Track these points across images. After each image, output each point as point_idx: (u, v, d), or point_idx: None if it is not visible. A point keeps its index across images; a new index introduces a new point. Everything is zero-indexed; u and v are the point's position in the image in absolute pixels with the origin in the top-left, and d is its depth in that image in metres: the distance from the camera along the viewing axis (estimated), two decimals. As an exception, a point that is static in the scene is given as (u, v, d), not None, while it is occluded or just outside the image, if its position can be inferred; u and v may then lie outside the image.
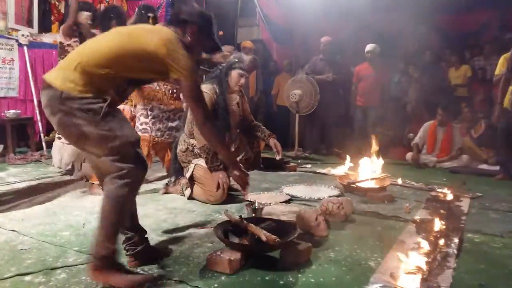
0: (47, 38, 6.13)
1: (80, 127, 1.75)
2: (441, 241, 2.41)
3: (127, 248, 2.03)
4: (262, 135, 3.73)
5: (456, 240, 2.46)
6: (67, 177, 4.11)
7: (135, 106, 3.61)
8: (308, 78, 6.13)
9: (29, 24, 6.08)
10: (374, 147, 3.94)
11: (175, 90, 3.53)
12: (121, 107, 3.60)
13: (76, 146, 1.95)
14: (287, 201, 3.38)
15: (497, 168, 4.87)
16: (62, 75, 1.80)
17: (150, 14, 3.59)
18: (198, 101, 1.99)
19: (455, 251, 2.28)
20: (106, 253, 1.74)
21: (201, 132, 2.18)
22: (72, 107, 1.74)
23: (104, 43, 1.89)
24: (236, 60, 3.46)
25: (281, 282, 1.91)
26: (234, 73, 3.46)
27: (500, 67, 4.63)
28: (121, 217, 1.81)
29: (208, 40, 2.15)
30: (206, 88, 3.32)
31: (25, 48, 5.54)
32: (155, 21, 3.58)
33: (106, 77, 1.82)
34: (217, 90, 3.38)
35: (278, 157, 3.75)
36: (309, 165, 5.31)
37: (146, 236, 2.11)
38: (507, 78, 4.45)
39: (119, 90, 1.90)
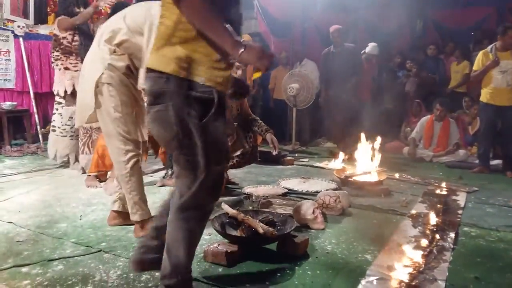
0: (43, 30, 6.07)
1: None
2: (437, 235, 2.43)
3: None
4: (259, 130, 3.72)
5: (452, 234, 2.48)
6: (64, 169, 4.10)
7: None
8: (303, 72, 6.12)
9: (25, 15, 6.02)
10: (371, 144, 3.94)
11: None
12: None
13: None
14: (284, 195, 3.39)
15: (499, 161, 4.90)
16: None
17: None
18: None
19: (451, 245, 2.30)
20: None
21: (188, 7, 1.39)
22: None
23: None
24: None
25: (278, 274, 1.92)
26: None
27: (478, 63, 4.64)
28: (190, 246, 1.54)
29: None
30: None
31: (21, 39, 5.49)
32: None
33: None
34: None
35: (274, 153, 3.75)
36: (306, 159, 5.32)
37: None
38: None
39: None
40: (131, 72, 2.28)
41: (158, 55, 1.45)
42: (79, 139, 3.89)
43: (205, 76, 1.40)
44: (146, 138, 2.47)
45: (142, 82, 2.19)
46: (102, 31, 2.30)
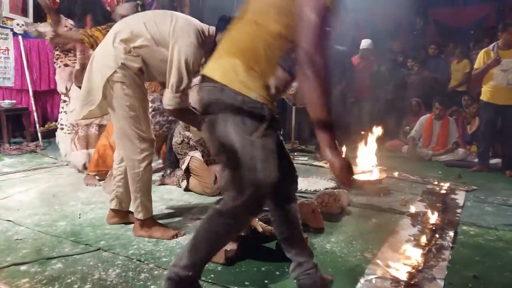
0: (42, 28, 6.05)
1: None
2: (436, 234, 2.43)
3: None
4: None
5: (451, 232, 2.48)
6: (63, 168, 4.10)
7: None
8: None
9: (24, 13, 6.00)
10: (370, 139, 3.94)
11: None
12: None
13: None
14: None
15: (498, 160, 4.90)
16: None
17: (139, 2, 3.54)
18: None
19: (450, 244, 2.30)
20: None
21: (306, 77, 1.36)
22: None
23: None
24: None
25: (277, 272, 1.92)
26: None
27: (479, 61, 4.64)
28: (213, 249, 1.59)
29: None
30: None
31: (20, 37, 5.48)
32: (142, 8, 3.53)
33: None
34: None
35: None
36: (306, 158, 5.32)
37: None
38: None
39: None
40: (142, 73, 2.27)
41: (217, 64, 1.47)
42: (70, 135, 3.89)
43: (258, 93, 1.40)
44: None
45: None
46: (119, 29, 2.27)
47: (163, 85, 2.32)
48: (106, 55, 2.23)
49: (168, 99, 2.22)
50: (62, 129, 4.16)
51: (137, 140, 2.25)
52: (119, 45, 2.21)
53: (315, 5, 1.34)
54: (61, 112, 4.16)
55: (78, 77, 3.80)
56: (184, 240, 2.27)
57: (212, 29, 2.35)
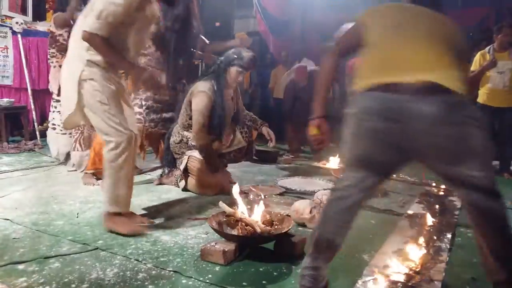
0: (41, 26, 6.05)
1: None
2: (434, 235, 2.43)
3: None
4: (254, 124, 3.72)
5: (449, 234, 2.48)
6: (61, 167, 4.09)
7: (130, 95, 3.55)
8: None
9: (23, 11, 6.00)
10: None
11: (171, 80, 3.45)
12: None
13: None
14: (282, 194, 3.39)
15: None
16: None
17: None
18: None
19: (448, 245, 2.30)
20: None
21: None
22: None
23: None
24: (236, 56, 3.38)
25: (275, 273, 1.92)
26: (233, 70, 3.37)
27: (476, 64, 4.65)
28: None
29: None
30: (205, 87, 3.25)
31: (19, 36, 5.47)
32: None
33: None
34: (215, 87, 3.32)
35: (271, 145, 3.75)
36: (305, 158, 5.33)
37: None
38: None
39: None
40: (110, 64, 2.31)
41: (448, 74, 1.49)
42: (71, 136, 3.88)
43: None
44: (137, 132, 2.47)
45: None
46: (74, 31, 2.33)
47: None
48: (72, 57, 2.30)
49: (88, 25, 2.19)
50: (54, 128, 4.13)
51: (114, 134, 2.27)
52: (80, 43, 2.24)
53: None
54: (53, 111, 4.12)
55: (59, 23, 3.85)
56: (182, 240, 2.27)
57: None
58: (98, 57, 2.25)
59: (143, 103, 3.42)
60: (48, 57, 4.07)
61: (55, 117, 4.10)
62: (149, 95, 3.42)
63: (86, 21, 2.21)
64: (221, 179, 3.34)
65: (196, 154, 3.33)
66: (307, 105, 5.16)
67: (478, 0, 6.69)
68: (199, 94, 3.25)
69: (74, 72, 2.25)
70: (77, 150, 3.79)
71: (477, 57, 4.67)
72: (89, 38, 2.19)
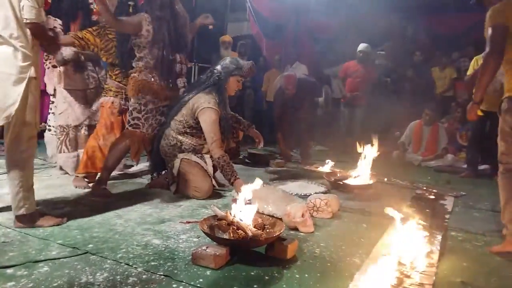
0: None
1: None
2: (425, 239, 2.44)
3: None
4: (242, 126, 3.72)
5: (439, 237, 2.50)
6: (51, 169, 4.06)
7: (128, 99, 3.50)
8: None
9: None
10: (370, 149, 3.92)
11: (170, 80, 3.41)
12: (110, 100, 3.55)
13: None
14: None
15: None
16: None
17: (131, 3, 3.51)
18: None
19: (439, 249, 2.31)
20: None
21: None
22: None
23: None
24: (235, 66, 3.40)
25: (266, 277, 1.92)
26: (233, 80, 3.41)
27: (471, 68, 4.71)
28: None
29: None
30: (210, 103, 3.27)
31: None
32: (134, 9, 3.50)
33: None
34: (218, 100, 3.34)
35: (260, 146, 3.75)
36: (296, 162, 5.33)
37: None
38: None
39: None
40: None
41: None
42: (57, 137, 3.84)
43: None
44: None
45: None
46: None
47: None
48: (11, 59, 2.25)
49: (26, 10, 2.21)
50: (49, 130, 4.13)
51: (32, 128, 2.36)
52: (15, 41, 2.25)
53: None
54: (50, 113, 4.13)
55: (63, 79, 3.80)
56: (173, 243, 2.26)
57: None
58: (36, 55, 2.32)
59: (142, 107, 3.32)
60: (43, 60, 4.03)
61: (50, 119, 4.10)
62: (149, 99, 3.32)
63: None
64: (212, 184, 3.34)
65: (188, 156, 3.32)
66: (295, 112, 5.18)
67: (469, 7, 6.76)
68: (206, 110, 3.26)
69: (15, 73, 2.25)
70: (63, 152, 3.76)
71: (473, 61, 4.73)
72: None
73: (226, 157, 3.22)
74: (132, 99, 3.33)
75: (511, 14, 2.42)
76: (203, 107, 3.26)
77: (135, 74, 3.27)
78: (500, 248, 2.38)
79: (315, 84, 5.47)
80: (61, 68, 3.68)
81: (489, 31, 2.55)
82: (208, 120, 3.26)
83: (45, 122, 4.33)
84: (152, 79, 3.28)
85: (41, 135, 5.10)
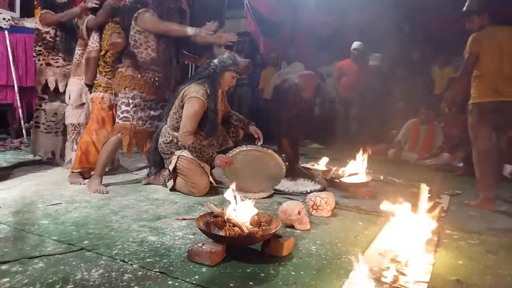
0: (29, 23, 5.97)
1: None
2: (421, 237, 2.45)
3: None
4: (241, 124, 3.71)
5: (435, 236, 2.50)
6: (47, 166, 4.04)
7: (116, 94, 3.52)
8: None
9: (11, 7, 5.92)
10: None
11: (157, 79, 3.43)
12: (100, 95, 3.54)
13: None
14: (270, 195, 3.39)
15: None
16: None
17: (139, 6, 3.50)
18: None
19: (434, 247, 2.32)
20: None
21: None
22: None
23: None
24: (231, 62, 3.40)
25: (262, 274, 1.92)
26: (228, 75, 3.41)
27: None
28: None
29: None
30: (198, 92, 3.26)
31: (6, 32, 5.38)
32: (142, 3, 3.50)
33: None
34: (209, 92, 3.33)
35: (259, 143, 3.75)
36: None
37: None
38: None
39: None
40: None
41: None
42: (68, 136, 3.83)
43: None
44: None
45: None
46: None
47: None
48: None
49: None
50: (38, 127, 4.03)
51: None
52: None
53: None
54: (38, 109, 4.03)
55: (48, 21, 3.82)
56: (169, 240, 2.26)
57: None
58: None
59: (130, 101, 3.35)
60: (34, 54, 3.98)
61: (39, 115, 4.02)
62: (136, 93, 3.35)
63: None
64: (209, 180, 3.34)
65: (185, 153, 3.31)
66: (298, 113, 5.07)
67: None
68: (191, 99, 3.26)
69: None
70: (75, 150, 3.73)
71: None
72: None
73: (197, 141, 3.24)
74: (119, 94, 3.40)
75: (485, 42, 3.34)
76: (190, 96, 3.27)
77: (122, 69, 3.36)
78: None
79: (320, 85, 5.43)
80: (83, 61, 3.64)
81: (466, 56, 3.41)
82: (190, 109, 3.25)
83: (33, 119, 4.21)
84: (139, 76, 3.35)
85: (28, 132, 5.13)
